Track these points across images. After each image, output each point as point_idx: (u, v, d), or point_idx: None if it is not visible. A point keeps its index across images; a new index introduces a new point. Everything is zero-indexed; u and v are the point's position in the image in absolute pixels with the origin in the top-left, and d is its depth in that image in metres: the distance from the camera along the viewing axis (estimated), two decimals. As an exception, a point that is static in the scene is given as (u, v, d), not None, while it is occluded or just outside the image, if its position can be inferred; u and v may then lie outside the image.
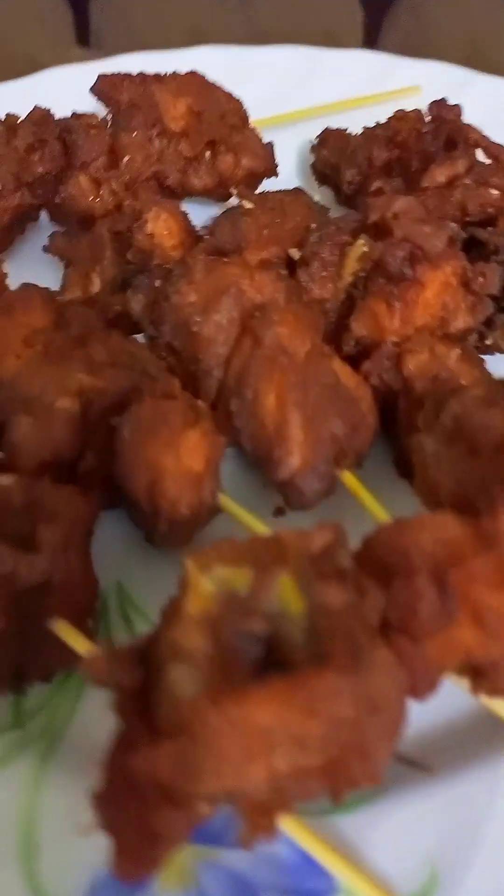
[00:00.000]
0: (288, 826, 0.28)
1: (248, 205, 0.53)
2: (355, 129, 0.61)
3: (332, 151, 0.58)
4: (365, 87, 0.67)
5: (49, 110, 0.54)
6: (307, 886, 0.28)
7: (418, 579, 0.28)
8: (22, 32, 1.53)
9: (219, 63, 0.68)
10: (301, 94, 0.67)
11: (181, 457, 0.35)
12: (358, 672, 0.24)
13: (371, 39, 1.47)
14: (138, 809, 0.24)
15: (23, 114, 0.56)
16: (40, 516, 0.33)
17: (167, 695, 0.26)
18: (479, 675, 0.30)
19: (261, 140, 0.57)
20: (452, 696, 0.31)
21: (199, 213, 0.55)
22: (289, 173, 0.62)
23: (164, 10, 1.56)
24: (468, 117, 0.56)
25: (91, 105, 0.59)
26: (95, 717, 0.33)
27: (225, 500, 0.38)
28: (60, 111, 0.57)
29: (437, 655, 0.29)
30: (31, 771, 0.31)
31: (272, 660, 0.26)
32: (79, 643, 0.31)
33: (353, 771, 0.26)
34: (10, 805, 0.30)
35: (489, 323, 0.45)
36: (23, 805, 0.30)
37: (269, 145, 0.57)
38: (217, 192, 0.57)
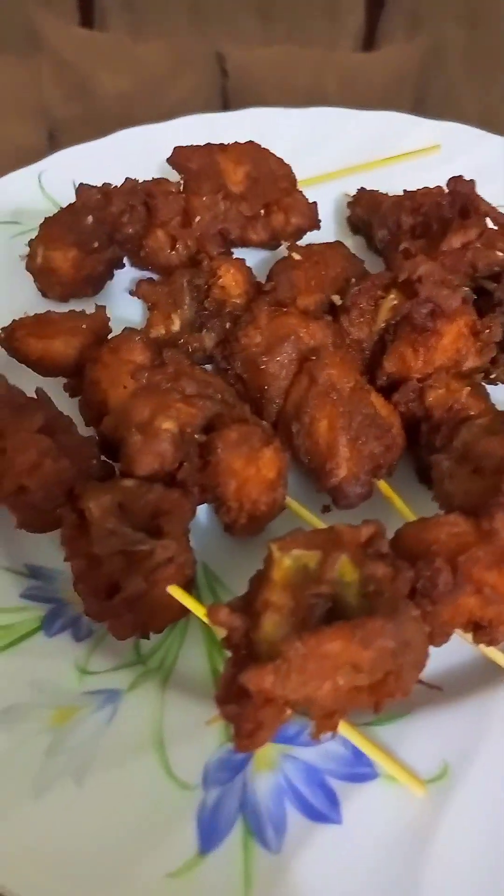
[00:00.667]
0: (343, 729, 0.40)
1: (296, 257, 0.65)
2: (383, 181, 0.73)
3: (364, 209, 0.69)
4: (388, 143, 0.79)
5: (136, 179, 0.65)
6: (357, 772, 0.40)
7: (437, 562, 0.40)
8: (25, 9, 1.61)
9: (262, 122, 0.80)
10: (334, 150, 0.79)
11: (260, 468, 0.47)
12: (396, 620, 0.36)
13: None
14: (250, 707, 0.36)
15: (99, 172, 0.69)
16: (159, 512, 0.45)
17: (264, 634, 0.38)
18: (478, 630, 0.42)
19: (307, 201, 0.69)
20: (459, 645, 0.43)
21: (252, 257, 0.67)
22: (326, 221, 0.73)
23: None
24: (479, 172, 0.67)
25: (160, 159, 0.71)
26: (193, 656, 0.46)
27: (289, 501, 0.50)
28: (136, 168, 0.70)
29: (450, 616, 0.41)
30: (155, 692, 0.43)
31: (334, 615, 0.39)
32: (187, 600, 0.44)
33: (391, 688, 0.38)
34: (144, 716, 0.42)
35: (494, 362, 0.57)
36: (153, 717, 0.42)
37: (314, 205, 0.69)
38: (270, 244, 0.69)
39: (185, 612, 0.45)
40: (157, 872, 0.36)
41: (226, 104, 1.77)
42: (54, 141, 1.77)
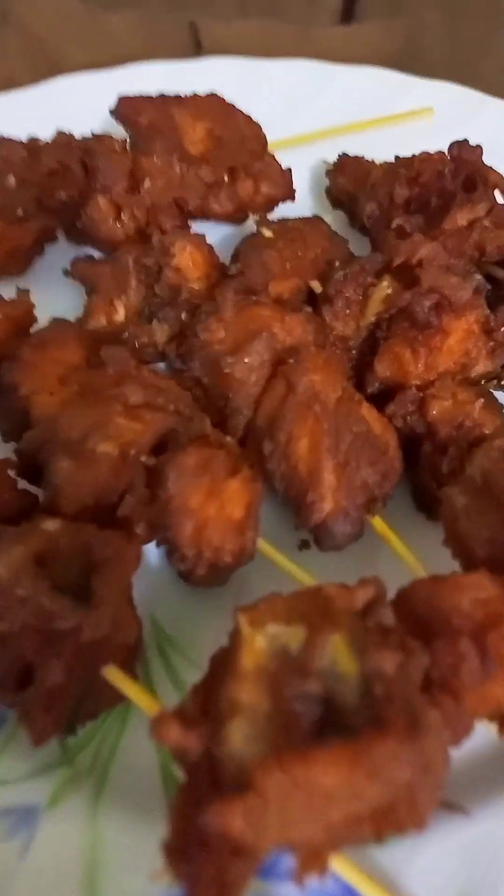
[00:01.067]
0: (334, 862, 0.30)
1: (268, 233, 0.54)
2: (368, 149, 0.62)
3: (348, 178, 0.59)
4: (376, 104, 0.68)
5: (71, 134, 0.54)
6: (352, 921, 0.30)
7: (461, 642, 0.30)
8: None
9: (231, 75, 0.69)
10: (313, 110, 0.68)
11: (224, 505, 0.37)
12: (416, 739, 0.26)
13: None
14: (209, 861, 0.26)
15: (36, 123, 0.57)
16: (92, 564, 0.34)
17: (230, 752, 0.28)
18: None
19: (280, 167, 0.58)
20: (483, 738, 0.34)
21: (214, 233, 0.56)
22: (302, 192, 0.63)
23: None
24: (478, 140, 0.58)
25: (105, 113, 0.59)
26: (140, 747, 0.36)
27: (263, 545, 0.39)
28: (75, 121, 0.58)
29: (474, 708, 0.31)
30: (86, 808, 0.33)
31: (327, 718, 0.29)
32: (128, 687, 0.33)
33: (402, 819, 0.28)
34: (69, 846, 0.32)
35: (507, 364, 0.47)
36: (82, 845, 0.32)
37: (288, 171, 0.58)
38: (235, 217, 0.58)
39: (115, 702, 0.35)
40: None
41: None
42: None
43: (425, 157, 0.52)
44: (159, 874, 0.27)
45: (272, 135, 0.61)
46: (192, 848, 0.26)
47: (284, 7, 1.73)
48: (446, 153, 0.52)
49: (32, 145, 0.52)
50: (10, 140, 0.52)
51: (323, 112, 0.68)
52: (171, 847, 0.27)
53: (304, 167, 0.64)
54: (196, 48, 1.65)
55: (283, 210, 0.59)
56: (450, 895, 0.31)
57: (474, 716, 0.32)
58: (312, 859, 0.29)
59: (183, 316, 0.49)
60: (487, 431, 0.41)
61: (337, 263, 0.49)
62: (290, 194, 0.58)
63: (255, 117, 0.60)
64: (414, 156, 0.53)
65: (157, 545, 0.40)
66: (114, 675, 0.33)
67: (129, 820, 0.33)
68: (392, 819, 0.28)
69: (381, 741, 0.26)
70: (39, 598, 0.32)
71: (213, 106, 0.58)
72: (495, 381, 0.46)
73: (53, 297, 0.54)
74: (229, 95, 0.60)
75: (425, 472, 0.43)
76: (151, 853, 0.30)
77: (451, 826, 0.33)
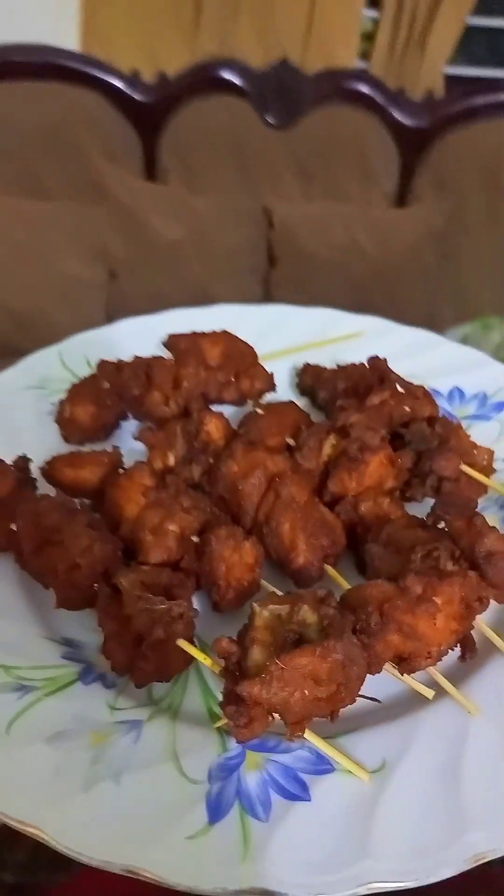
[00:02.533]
0: (310, 737, 0.55)
1: (260, 411, 0.87)
2: (321, 358, 0.97)
3: (310, 377, 0.93)
4: (325, 329, 1.04)
5: (142, 358, 0.88)
6: (320, 768, 0.54)
7: (370, 608, 0.57)
8: (94, 164, 1.94)
9: (226, 317, 1.05)
10: (282, 336, 1.04)
11: (242, 556, 0.65)
12: (343, 641, 0.53)
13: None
14: (243, 711, 0.51)
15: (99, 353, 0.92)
16: (170, 586, 0.62)
17: (252, 661, 0.54)
18: (402, 662, 0.59)
19: (266, 371, 0.92)
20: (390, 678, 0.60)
21: (225, 411, 0.89)
22: (281, 386, 0.96)
23: (220, 149, 1.97)
24: (391, 353, 0.92)
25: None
26: (192, 702, 0.61)
27: (263, 583, 0.67)
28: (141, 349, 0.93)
29: (381, 650, 0.58)
30: (168, 723, 0.58)
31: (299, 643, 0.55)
32: (194, 651, 0.59)
33: (342, 696, 0.53)
34: (161, 738, 0.56)
35: (408, 483, 0.78)
36: (168, 738, 0.56)
37: (272, 374, 0.92)
38: (239, 402, 0.91)
39: (188, 664, 0.61)
40: (180, 836, 0.49)
41: (270, 253, 2.01)
42: (114, 278, 2.05)
43: (353, 365, 0.87)
44: (221, 722, 0.52)
45: (260, 351, 0.96)
46: (235, 703, 0.52)
47: (345, 190, 2.21)
48: (366, 363, 0.87)
49: (119, 363, 0.87)
50: (105, 361, 0.86)
51: (291, 336, 1.04)
52: (224, 704, 0.52)
53: (282, 371, 0.98)
54: (268, 227, 2.04)
55: (269, 398, 0.93)
56: (374, 757, 0.55)
57: (383, 655, 0.58)
58: (296, 725, 0.54)
59: (210, 461, 0.80)
60: (393, 517, 0.71)
61: (303, 427, 0.82)
62: (273, 387, 0.92)
63: (248, 340, 0.96)
64: (349, 364, 0.88)
65: (201, 588, 0.67)
66: (184, 644, 0.60)
67: (191, 731, 0.58)
68: (338, 697, 0.54)
69: (326, 641, 0.52)
70: (147, 595, 0.59)
71: (224, 336, 0.93)
72: (400, 492, 0.77)
73: (127, 452, 0.85)
74: (230, 328, 0.96)
75: (360, 542, 0.72)
76: (204, 743, 0.56)
77: (374, 727, 0.58)
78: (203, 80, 1.86)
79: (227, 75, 1.84)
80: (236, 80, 1.84)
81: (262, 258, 1.99)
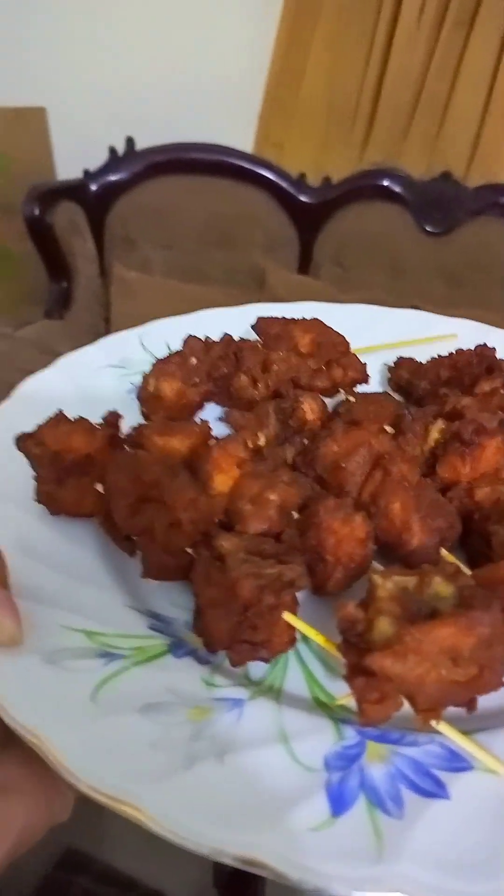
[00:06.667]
0: (444, 728, 0.47)
1: (352, 399, 0.81)
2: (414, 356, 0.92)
3: (406, 370, 0.87)
4: (416, 331, 1.00)
5: (231, 336, 0.84)
6: (455, 765, 0.46)
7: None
8: (256, 258, 2.02)
9: (316, 312, 1.01)
10: (373, 334, 0.99)
11: (354, 530, 0.59)
12: (490, 611, 0.45)
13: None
14: (374, 680, 0.44)
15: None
16: (277, 554, 0.55)
17: (378, 633, 0.47)
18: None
19: (359, 361, 0.87)
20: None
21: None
22: (373, 384, 0.91)
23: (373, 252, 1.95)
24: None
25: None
26: (295, 687, 0.54)
27: (374, 565, 0.60)
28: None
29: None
30: (272, 703, 0.50)
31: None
32: (302, 626, 0.52)
33: (486, 681, 0.46)
34: (266, 719, 0.49)
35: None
36: (274, 720, 0.49)
37: (365, 364, 0.87)
38: (330, 391, 0.86)
39: (291, 643, 0.54)
40: (300, 826, 0.41)
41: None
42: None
43: (460, 351, 0.81)
44: (345, 696, 0.45)
45: (351, 346, 0.91)
46: (361, 677, 0.45)
47: (489, 298, 2.23)
48: (473, 351, 0.81)
49: (207, 341, 0.82)
50: (194, 337, 0.82)
51: (382, 335, 0.99)
52: (349, 677, 0.45)
53: (374, 368, 0.94)
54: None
55: (361, 390, 0.87)
56: None
57: None
58: (429, 712, 0.46)
59: (305, 442, 0.74)
60: (514, 504, 0.64)
61: (406, 412, 0.76)
62: (366, 378, 0.87)
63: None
64: (451, 353, 0.82)
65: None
66: (291, 618, 0.53)
67: (299, 715, 0.50)
68: (480, 682, 0.46)
69: (472, 611, 0.45)
70: (253, 557, 0.53)
71: (316, 324, 0.89)
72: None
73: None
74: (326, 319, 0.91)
75: (471, 533, 0.65)
76: (316, 729, 0.48)
77: None
78: (365, 186, 2.04)
79: (389, 183, 1.94)
80: (397, 189, 1.93)
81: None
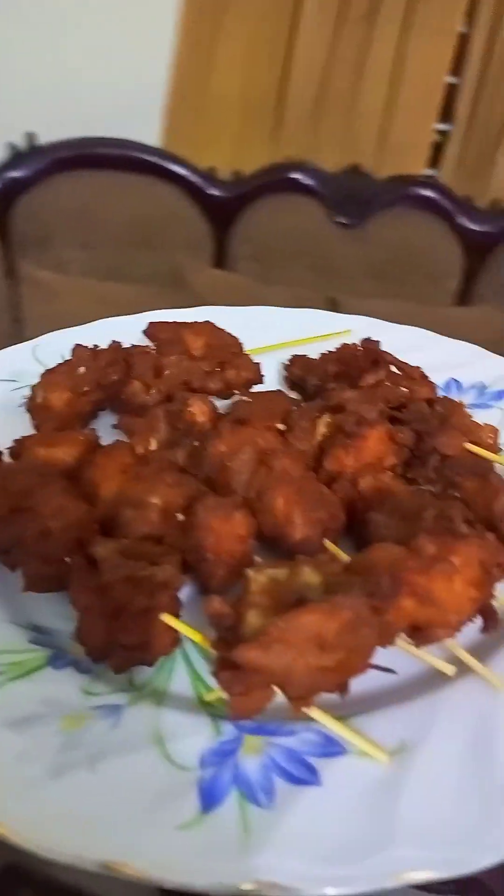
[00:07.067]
0: (317, 715, 0.47)
1: (247, 399, 0.82)
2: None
3: (298, 367, 0.88)
4: (311, 328, 1.01)
5: (120, 343, 0.83)
6: (329, 750, 0.47)
7: (380, 573, 0.51)
8: (174, 255, 1.94)
9: (211, 316, 1.01)
10: (266, 334, 1.00)
11: (234, 526, 0.59)
12: (352, 596, 0.46)
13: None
14: (239, 674, 0.44)
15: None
16: (154, 556, 0.55)
17: (248, 626, 0.47)
18: (416, 632, 0.52)
19: (252, 361, 0.88)
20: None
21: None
22: (269, 384, 0.92)
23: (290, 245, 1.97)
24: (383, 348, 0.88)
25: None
26: (180, 688, 0.53)
27: (257, 560, 0.60)
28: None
29: (394, 617, 0.51)
30: (152, 707, 0.50)
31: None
32: (180, 626, 0.52)
33: (354, 664, 0.46)
34: (143, 723, 0.48)
35: (408, 464, 0.72)
36: (152, 723, 0.48)
37: (258, 364, 0.88)
38: (224, 393, 0.86)
39: (173, 645, 0.53)
40: (168, 825, 0.41)
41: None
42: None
43: (345, 346, 0.82)
44: (215, 692, 0.45)
45: (244, 347, 0.91)
46: (229, 671, 0.45)
47: (414, 287, 2.28)
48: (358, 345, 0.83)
49: (96, 349, 0.81)
50: (81, 346, 0.81)
51: (277, 334, 1.00)
52: (216, 672, 0.45)
53: (269, 368, 0.94)
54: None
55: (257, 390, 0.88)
56: (391, 738, 0.48)
57: (396, 624, 0.51)
58: (301, 700, 0.47)
59: (195, 443, 0.74)
60: (395, 492, 0.65)
61: (294, 408, 0.77)
62: (260, 379, 0.87)
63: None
64: (338, 347, 0.84)
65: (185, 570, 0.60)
66: (169, 619, 0.52)
67: (178, 716, 0.50)
68: (349, 666, 0.47)
69: (334, 597, 0.46)
70: (127, 562, 0.52)
71: (207, 327, 0.89)
72: (401, 472, 0.71)
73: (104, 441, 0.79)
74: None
75: (357, 522, 0.66)
76: (194, 728, 0.48)
77: (389, 707, 0.50)
78: (277, 180, 2.02)
79: (300, 177, 1.98)
80: (308, 181, 1.97)
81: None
